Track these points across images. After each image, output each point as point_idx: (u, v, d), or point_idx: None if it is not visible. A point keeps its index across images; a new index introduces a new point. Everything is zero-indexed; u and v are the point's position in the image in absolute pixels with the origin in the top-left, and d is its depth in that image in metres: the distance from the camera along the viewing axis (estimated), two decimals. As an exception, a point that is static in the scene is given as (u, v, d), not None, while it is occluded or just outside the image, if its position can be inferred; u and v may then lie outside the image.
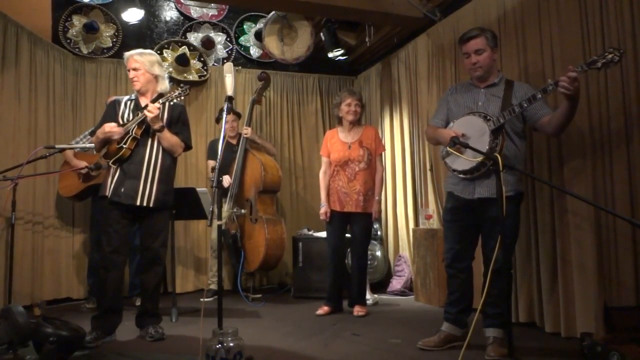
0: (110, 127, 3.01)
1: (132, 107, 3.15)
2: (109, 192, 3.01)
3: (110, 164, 3.05)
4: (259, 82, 4.92)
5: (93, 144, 3.17)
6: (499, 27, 3.53)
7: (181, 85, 3.10)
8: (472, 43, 2.71)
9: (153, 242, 3.10)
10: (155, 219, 3.11)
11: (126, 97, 3.24)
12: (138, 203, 2.99)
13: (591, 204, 2.43)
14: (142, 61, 3.10)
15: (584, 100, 2.87)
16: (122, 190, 2.99)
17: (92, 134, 3.23)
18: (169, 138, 3.08)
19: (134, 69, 3.10)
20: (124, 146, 3.00)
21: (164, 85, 3.20)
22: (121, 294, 3.14)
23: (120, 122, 3.09)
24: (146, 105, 3.01)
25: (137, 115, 3.04)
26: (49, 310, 3.96)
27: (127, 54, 3.16)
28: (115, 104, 3.20)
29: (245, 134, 4.60)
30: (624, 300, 2.70)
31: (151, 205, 3.02)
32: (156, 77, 3.17)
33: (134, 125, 3.02)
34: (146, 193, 3.01)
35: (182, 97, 3.05)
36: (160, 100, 3.02)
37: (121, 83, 5.00)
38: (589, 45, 2.89)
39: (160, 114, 3.03)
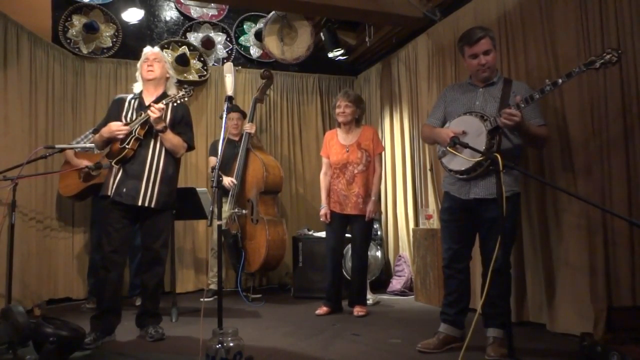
0: (117, 127, 3.00)
1: (135, 105, 3.15)
2: (110, 191, 3.00)
3: (112, 164, 3.04)
4: (261, 80, 4.92)
5: (93, 144, 3.16)
6: (499, 27, 3.53)
7: (185, 86, 3.10)
8: (481, 44, 2.65)
9: (154, 243, 3.10)
10: (156, 220, 3.10)
11: (130, 96, 3.23)
12: (139, 203, 2.99)
13: (591, 203, 2.43)
14: (163, 58, 3.25)
15: (585, 101, 2.88)
16: (124, 190, 2.98)
17: (96, 132, 3.20)
18: (172, 139, 3.08)
19: (156, 59, 3.17)
20: (127, 146, 2.99)
21: (172, 90, 3.23)
22: (121, 294, 3.13)
23: (124, 121, 3.08)
24: (149, 105, 3.00)
25: (140, 115, 3.03)
26: (49, 310, 3.97)
27: (150, 48, 3.26)
28: (119, 102, 3.19)
29: (247, 129, 4.60)
30: (624, 300, 2.70)
31: (152, 206, 3.02)
32: (167, 79, 3.25)
33: (137, 126, 3.01)
34: (148, 194, 3.01)
35: (186, 99, 3.05)
36: (164, 101, 3.01)
37: (121, 83, 4.99)
38: (589, 44, 2.89)
39: (164, 115, 3.03)
